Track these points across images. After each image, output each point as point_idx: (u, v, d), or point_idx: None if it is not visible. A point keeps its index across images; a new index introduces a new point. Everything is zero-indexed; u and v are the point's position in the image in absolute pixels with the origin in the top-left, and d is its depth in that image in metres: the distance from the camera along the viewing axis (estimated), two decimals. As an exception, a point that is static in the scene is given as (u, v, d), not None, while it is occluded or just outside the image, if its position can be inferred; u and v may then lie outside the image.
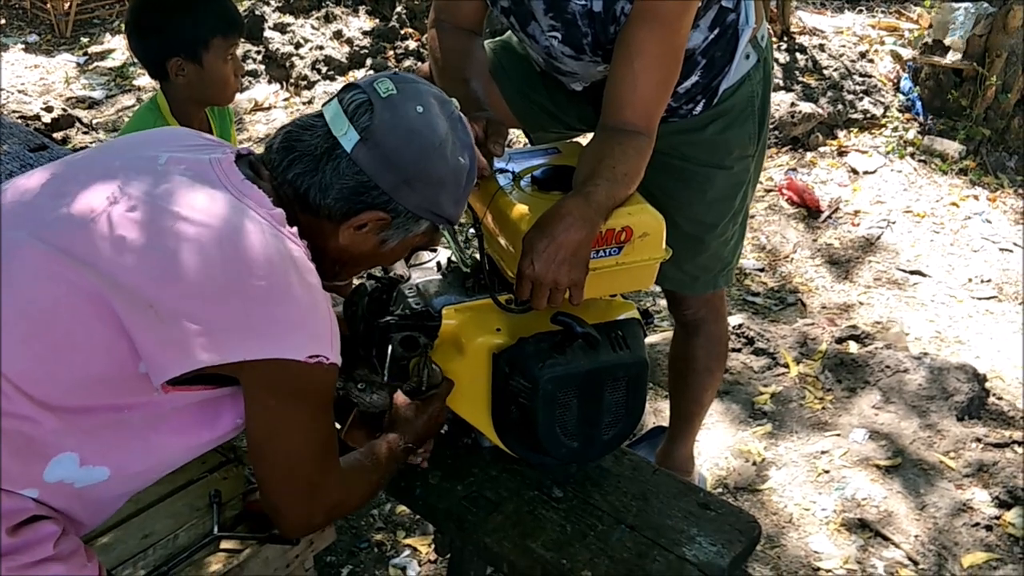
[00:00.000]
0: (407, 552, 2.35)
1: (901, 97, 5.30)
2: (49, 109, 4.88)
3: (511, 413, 1.63)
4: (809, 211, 4.46)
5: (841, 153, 4.93)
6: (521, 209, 1.58)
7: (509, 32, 1.96)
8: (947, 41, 5.08)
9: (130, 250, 1.16)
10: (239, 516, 1.68)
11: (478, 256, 1.67)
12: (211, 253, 1.17)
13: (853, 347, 2.95)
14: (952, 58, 5.06)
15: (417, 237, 1.39)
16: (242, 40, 2.20)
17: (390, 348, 1.59)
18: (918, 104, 5.21)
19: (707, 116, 1.90)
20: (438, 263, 1.73)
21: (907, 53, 5.45)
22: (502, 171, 1.69)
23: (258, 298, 1.18)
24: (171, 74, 2.16)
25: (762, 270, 4.06)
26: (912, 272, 4.09)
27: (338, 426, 1.65)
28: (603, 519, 1.65)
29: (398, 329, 1.61)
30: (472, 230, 1.68)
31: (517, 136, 3.78)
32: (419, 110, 1.30)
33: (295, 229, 1.28)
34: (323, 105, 1.36)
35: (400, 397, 1.59)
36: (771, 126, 4.97)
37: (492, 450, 1.76)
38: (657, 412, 2.76)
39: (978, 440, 2.54)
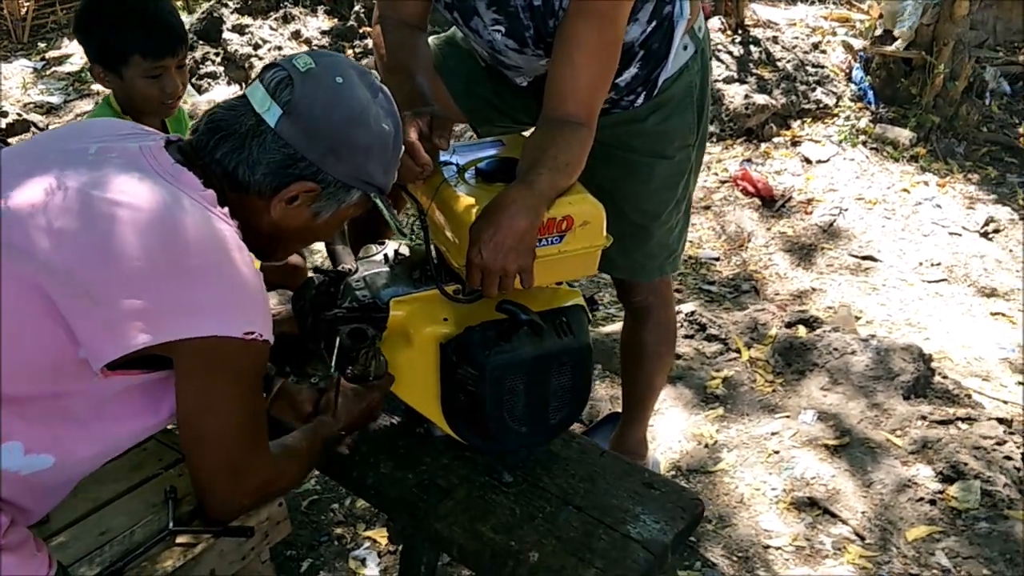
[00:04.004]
0: (367, 544, 2.38)
1: (853, 87, 5.39)
2: (4, 114, 4.85)
3: (460, 401, 1.67)
4: (764, 200, 4.54)
5: (795, 143, 5.01)
6: (466, 201, 1.62)
7: (454, 28, 2.00)
8: (896, 31, 5.18)
9: (65, 238, 1.18)
10: (195, 511, 1.70)
11: (419, 240, 1.70)
12: (144, 235, 1.20)
13: (802, 331, 3.02)
14: (898, 45, 5.16)
15: (350, 208, 1.42)
16: (185, 53, 2.15)
17: (338, 340, 1.61)
18: (870, 93, 5.31)
19: (648, 107, 1.95)
20: (385, 255, 1.76)
21: (858, 43, 5.54)
22: (447, 164, 1.73)
23: (192, 277, 1.21)
24: (97, 79, 2.17)
25: (718, 259, 4.13)
26: (864, 257, 4.17)
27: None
28: (551, 501, 1.69)
29: (346, 321, 1.63)
30: (419, 222, 1.71)
31: (464, 130, 3.80)
32: (339, 80, 1.33)
33: (226, 209, 1.31)
34: (246, 88, 1.39)
35: (346, 383, 1.62)
36: (726, 118, 5.05)
37: (444, 439, 1.79)
38: (613, 399, 2.81)
39: (923, 418, 2.61)
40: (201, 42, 6.08)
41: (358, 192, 1.40)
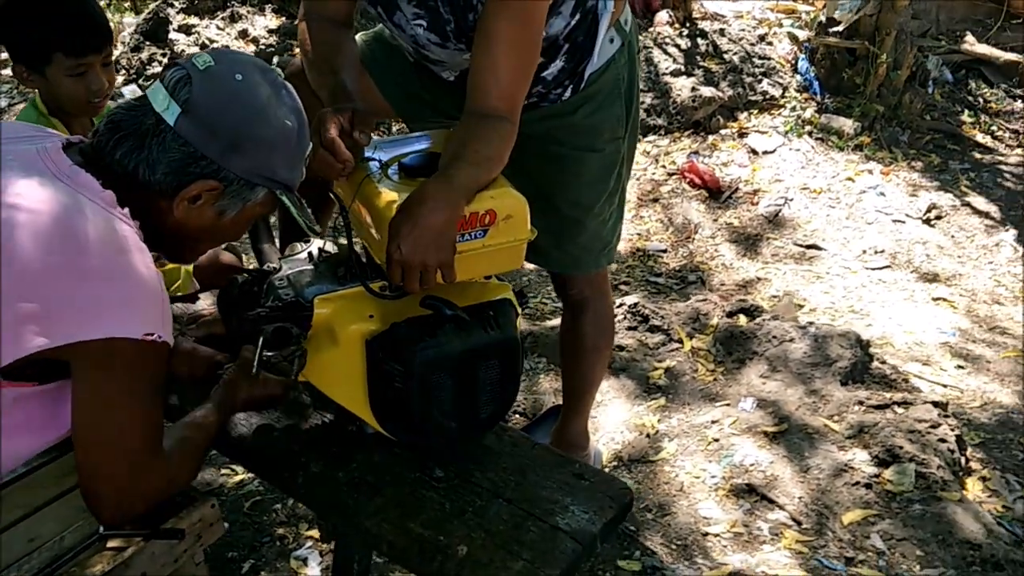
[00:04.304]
0: (309, 544, 2.37)
1: (799, 78, 5.45)
2: (-59, 117, 4.75)
3: (388, 398, 1.66)
4: (711, 192, 4.58)
5: (742, 134, 5.06)
6: (387, 196, 1.61)
7: (381, 24, 1.99)
8: (837, 14, 5.23)
9: None
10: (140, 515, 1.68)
11: (344, 241, 1.69)
12: (41, 237, 1.19)
13: (743, 320, 3.05)
14: (840, 28, 5.22)
15: (257, 206, 1.41)
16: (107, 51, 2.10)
17: (261, 340, 1.60)
18: (815, 84, 5.37)
19: (576, 100, 1.95)
20: (310, 253, 1.75)
21: (804, 34, 5.61)
22: (371, 160, 1.72)
23: (89, 279, 1.20)
24: (20, 79, 2.13)
25: (665, 251, 4.16)
26: (809, 246, 4.23)
27: None
28: (482, 495, 1.69)
29: (269, 321, 1.62)
30: (341, 220, 1.70)
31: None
32: (238, 78, 1.33)
33: (126, 210, 1.30)
34: (146, 88, 1.38)
35: (247, 352, 1.60)
36: (673, 111, 5.09)
37: (376, 436, 1.78)
38: (556, 392, 2.82)
39: (860, 403, 2.65)
40: (147, 43, 6.01)
41: (263, 189, 1.39)
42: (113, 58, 2.16)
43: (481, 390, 1.69)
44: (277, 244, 1.94)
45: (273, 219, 2.14)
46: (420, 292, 1.57)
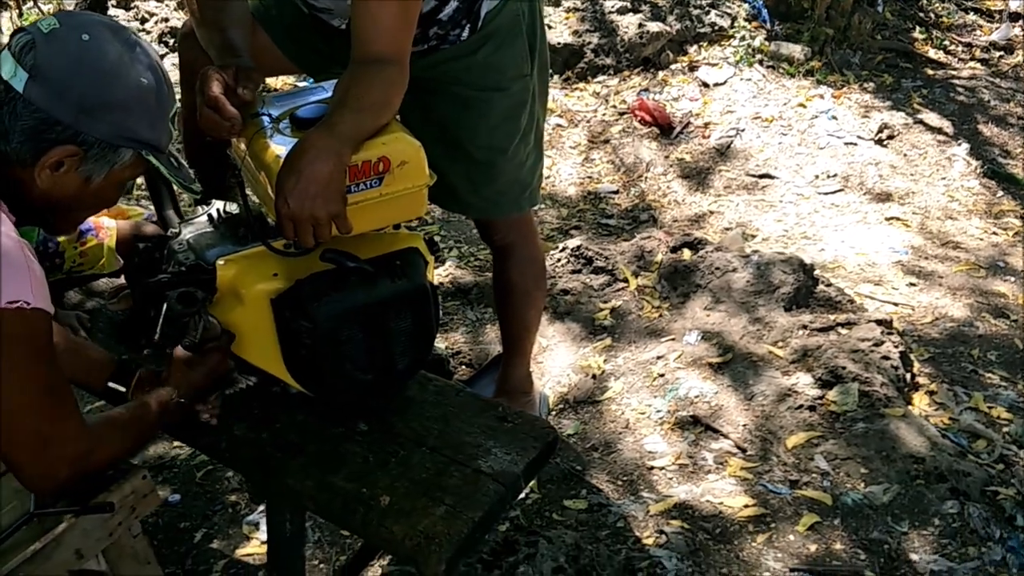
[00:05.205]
0: (260, 509, 2.36)
1: (747, 6, 5.39)
2: None
3: (301, 356, 1.65)
4: (662, 129, 4.54)
5: (692, 68, 5.01)
6: (276, 150, 1.57)
7: (275, -23, 1.94)
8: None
9: None
10: (60, 492, 1.67)
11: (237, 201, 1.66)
12: None
13: (687, 254, 3.03)
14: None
15: (126, 169, 1.38)
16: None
17: (164, 307, 1.58)
18: (764, 12, 5.31)
19: (476, 40, 1.91)
20: (210, 215, 1.72)
21: (749, -38, 5.53)
22: (262, 115, 1.68)
23: None
24: None
25: (616, 192, 4.13)
26: (761, 176, 4.21)
27: (122, 389, 1.66)
28: (405, 445, 1.69)
29: (172, 287, 1.60)
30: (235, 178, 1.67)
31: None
32: (85, 38, 1.29)
33: None
34: None
35: (178, 351, 1.59)
36: (622, 49, 5.03)
37: (300, 396, 1.77)
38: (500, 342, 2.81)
39: (804, 327, 2.65)
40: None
41: (128, 151, 1.36)
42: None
43: (395, 341, 1.68)
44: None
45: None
46: (320, 247, 1.55)
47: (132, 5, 5.93)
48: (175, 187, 1.45)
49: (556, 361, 2.75)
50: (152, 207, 1.97)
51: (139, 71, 1.33)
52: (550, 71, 2.23)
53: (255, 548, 2.26)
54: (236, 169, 1.63)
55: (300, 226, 1.49)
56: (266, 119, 1.67)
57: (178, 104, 1.44)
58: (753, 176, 4.19)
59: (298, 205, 1.46)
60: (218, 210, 1.72)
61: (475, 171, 2.03)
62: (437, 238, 1.79)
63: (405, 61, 1.64)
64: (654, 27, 5.06)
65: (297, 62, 2.03)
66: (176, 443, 2.66)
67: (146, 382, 1.65)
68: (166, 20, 5.74)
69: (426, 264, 1.72)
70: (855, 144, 4.41)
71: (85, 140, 1.30)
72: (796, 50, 5.02)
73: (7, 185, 1.29)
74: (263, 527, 2.33)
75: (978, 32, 5.55)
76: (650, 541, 2.08)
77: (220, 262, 1.62)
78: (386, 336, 1.67)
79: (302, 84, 4.21)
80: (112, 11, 5.90)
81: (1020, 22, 5.53)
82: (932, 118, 4.64)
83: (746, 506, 2.18)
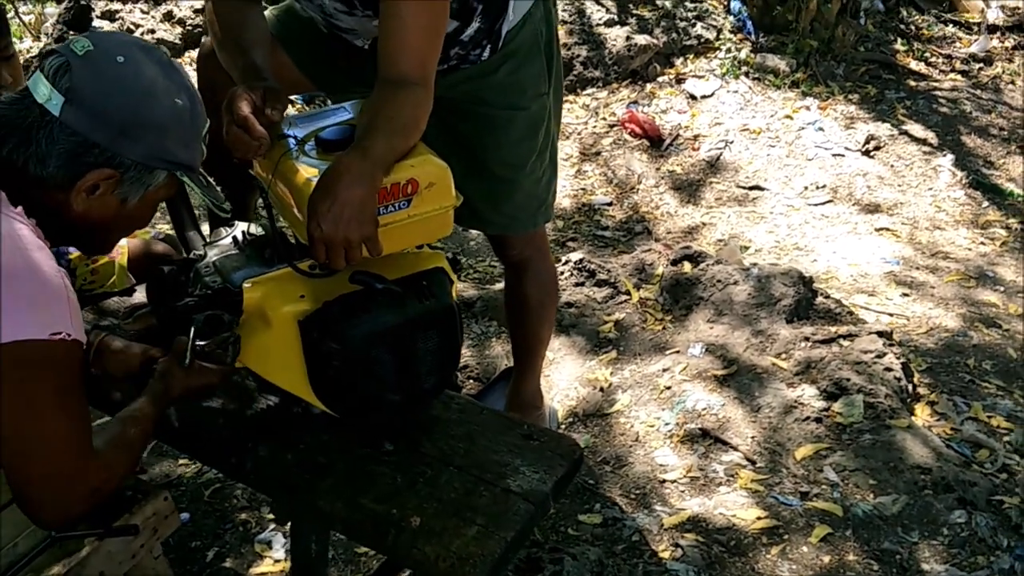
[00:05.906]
0: (272, 527, 2.36)
1: (732, 19, 5.45)
2: None
3: (328, 377, 1.65)
4: (652, 141, 4.58)
5: (679, 80, 5.05)
6: (305, 173, 1.58)
7: (291, -3, 1.95)
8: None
9: None
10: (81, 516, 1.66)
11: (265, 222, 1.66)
12: None
13: (688, 267, 3.07)
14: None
15: (160, 190, 1.38)
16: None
17: (192, 330, 1.57)
18: (749, 24, 5.37)
19: (497, 60, 1.93)
20: (235, 237, 1.72)
21: (734, -25, 5.59)
22: (288, 136, 1.68)
23: None
24: None
25: (610, 204, 4.16)
26: (751, 188, 4.25)
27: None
28: (432, 465, 1.69)
29: (199, 310, 1.59)
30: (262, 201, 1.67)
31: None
32: (120, 60, 1.29)
33: (20, 208, 1.26)
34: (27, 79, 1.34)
35: (180, 351, 1.57)
36: (610, 62, 5.06)
37: (323, 416, 1.77)
38: (509, 355, 2.81)
39: (806, 339, 2.68)
40: (71, 32, 5.83)
41: (163, 172, 1.36)
42: (15, 50, 2.09)
43: (422, 361, 1.68)
44: (206, 230, 1.91)
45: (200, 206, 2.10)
46: (348, 268, 1.55)
47: (117, 17, 5.88)
48: (207, 207, 1.45)
49: (563, 374, 2.77)
50: (156, 225, 1.96)
51: (174, 92, 1.34)
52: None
53: (268, 567, 2.25)
54: (263, 190, 1.63)
55: (333, 249, 1.49)
56: (291, 140, 1.68)
57: (208, 122, 1.45)
58: (743, 188, 4.23)
59: (332, 228, 1.46)
60: (243, 232, 1.72)
61: (495, 188, 2.05)
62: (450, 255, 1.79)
63: (431, 82, 1.66)
64: (641, 40, 5.10)
65: (316, 81, 2.03)
66: (182, 460, 2.64)
67: (111, 350, 1.66)
68: (152, 32, 5.70)
69: (451, 283, 1.73)
70: (842, 155, 4.46)
71: (122, 163, 1.30)
72: (781, 62, 5.08)
73: (43, 208, 1.28)
74: (276, 545, 2.32)
75: (958, 44, 5.64)
76: (667, 555, 2.10)
77: (247, 284, 1.62)
78: (414, 356, 1.67)
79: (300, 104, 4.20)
80: (96, 22, 5.85)
81: (998, 34, 5.63)
82: (916, 129, 4.71)
83: (759, 518, 2.20)
